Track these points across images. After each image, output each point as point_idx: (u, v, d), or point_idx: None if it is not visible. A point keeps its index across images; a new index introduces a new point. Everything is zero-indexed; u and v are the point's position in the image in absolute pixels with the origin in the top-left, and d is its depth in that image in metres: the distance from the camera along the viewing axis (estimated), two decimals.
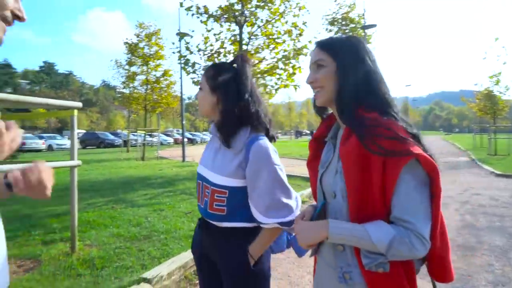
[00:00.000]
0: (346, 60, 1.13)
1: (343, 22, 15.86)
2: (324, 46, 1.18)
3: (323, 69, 1.15)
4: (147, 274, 3.13)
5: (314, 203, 1.34)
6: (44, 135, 33.83)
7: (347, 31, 15.46)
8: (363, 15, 15.89)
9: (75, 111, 3.63)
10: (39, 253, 3.78)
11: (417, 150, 0.98)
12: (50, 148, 28.86)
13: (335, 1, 16.02)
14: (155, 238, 4.31)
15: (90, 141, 33.12)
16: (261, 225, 1.45)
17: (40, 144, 28.10)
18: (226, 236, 1.49)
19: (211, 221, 1.50)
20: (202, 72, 1.62)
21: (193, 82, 9.04)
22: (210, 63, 1.74)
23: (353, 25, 15.72)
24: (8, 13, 0.80)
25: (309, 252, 1.32)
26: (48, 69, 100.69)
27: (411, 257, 0.99)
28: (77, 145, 3.77)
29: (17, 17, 0.83)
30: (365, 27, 15.08)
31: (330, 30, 15.90)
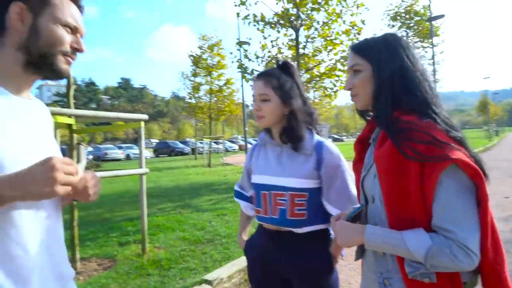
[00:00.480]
0: (380, 60, 1.10)
1: (407, 16, 15.01)
2: (358, 49, 1.16)
3: (360, 74, 1.14)
4: (209, 276, 3.27)
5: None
6: (123, 145, 37.10)
7: (411, 24, 14.61)
8: (429, 6, 14.87)
9: (142, 123, 3.95)
10: (115, 253, 4.17)
11: (456, 154, 0.91)
12: (128, 157, 31.51)
13: None
14: (217, 242, 4.48)
15: (162, 150, 35.44)
16: None
17: (119, 154, 30.89)
18: (305, 241, 1.49)
19: (291, 228, 1.48)
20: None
21: None
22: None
23: (418, 18, 14.79)
24: (67, 48, 0.93)
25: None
26: (125, 84, 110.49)
27: (457, 269, 0.92)
28: (144, 154, 4.10)
29: (76, 49, 0.96)
30: (431, 19, 14.06)
31: (393, 26, 15.18)
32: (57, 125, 3.31)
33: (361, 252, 1.24)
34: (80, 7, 0.98)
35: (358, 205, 1.23)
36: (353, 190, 1.48)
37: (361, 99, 1.16)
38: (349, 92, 1.22)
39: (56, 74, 0.94)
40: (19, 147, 0.84)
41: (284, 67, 1.55)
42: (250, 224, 1.90)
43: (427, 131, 0.96)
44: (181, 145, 35.88)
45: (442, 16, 14.01)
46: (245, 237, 1.82)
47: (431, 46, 14.70)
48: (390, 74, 1.08)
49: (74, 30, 0.95)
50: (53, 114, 2.94)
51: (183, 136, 64.49)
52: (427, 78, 1.10)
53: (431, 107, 1.04)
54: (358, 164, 1.31)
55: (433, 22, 14.39)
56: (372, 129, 1.28)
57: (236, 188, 1.86)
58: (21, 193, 0.74)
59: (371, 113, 1.30)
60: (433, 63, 14.20)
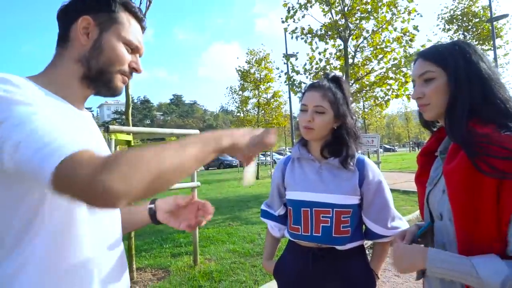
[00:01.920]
0: (458, 68, 1.02)
1: (464, 18, 14.13)
2: (430, 56, 1.09)
3: (433, 82, 1.06)
4: None
5: (422, 222, 1.24)
6: None
7: (469, 27, 13.72)
8: (489, 6, 13.86)
9: None
10: (169, 264, 4.30)
11: None
12: None
13: None
14: None
15: (211, 162, 36.28)
16: (379, 240, 1.50)
17: None
18: (348, 258, 1.46)
19: (335, 246, 1.44)
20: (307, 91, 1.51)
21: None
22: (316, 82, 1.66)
23: (476, 20, 13.84)
24: (126, 67, 0.94)
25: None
26: (176, 100, 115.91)
27: None
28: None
29: (134, 69, 0.97)
30: (493, 19, 13.03)
31: (449, 29, 14.35)
32: (117, 142, 3.52)
33: (423, 271, 1.15)
34: (143, 28, 1.00)
35: (425, 224, 1.14)
36: (393, 207, 1.50)
37: (433, 109, 1.08)
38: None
39: (110, 91, 0.95)
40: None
41: (336, 82, 1.51)
42: (277, 248, 1.78)
43: (506, 146, 0.87)
44: (229, 158, 36.40)
45: (506, 15, 12.87)
46: (272, 261, 1.71)
47: (492, 48, 13.69)
48: (468, 83, 1.00)
49: (134, 50, 0.96)
50: (114, 131, 3.14)
51: None
52: (505, 87, 1.02)
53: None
54: (421, 178, 1.23)
55: (494, 23, 13.37)
56: (438, 140, 1.20)
57: (263, 207, 1.75)
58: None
59: (438, 124, 1.22)
60: (496, 66, 13.11)
